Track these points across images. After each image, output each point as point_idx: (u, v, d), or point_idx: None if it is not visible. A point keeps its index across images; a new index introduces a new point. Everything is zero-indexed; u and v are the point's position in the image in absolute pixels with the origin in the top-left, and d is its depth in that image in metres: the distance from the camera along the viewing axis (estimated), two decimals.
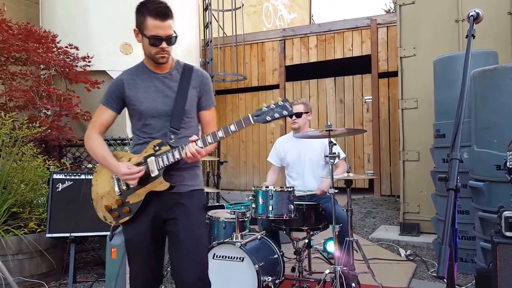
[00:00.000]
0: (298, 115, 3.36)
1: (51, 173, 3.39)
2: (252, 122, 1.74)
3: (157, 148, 1.90)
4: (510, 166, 2.32)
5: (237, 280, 2.64)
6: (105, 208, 1.97)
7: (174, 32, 1.89)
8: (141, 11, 1.85)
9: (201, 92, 2.01)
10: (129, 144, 4.61)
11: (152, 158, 1.88)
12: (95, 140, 1.98)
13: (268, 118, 1.72)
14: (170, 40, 1.88)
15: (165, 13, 1.84)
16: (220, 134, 1.79)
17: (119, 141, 5.06)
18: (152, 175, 1.87)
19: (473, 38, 1.57)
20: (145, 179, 1.88)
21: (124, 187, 1.94)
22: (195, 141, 1.81)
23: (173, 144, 1.88)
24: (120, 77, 2.01)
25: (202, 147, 1.81)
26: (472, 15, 1.60)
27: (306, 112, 3.41)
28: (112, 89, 2.00)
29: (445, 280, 1.19)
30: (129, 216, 1.92)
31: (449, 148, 1.36)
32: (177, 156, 1.83)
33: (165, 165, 1.85)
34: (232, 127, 1.77)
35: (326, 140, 3.18)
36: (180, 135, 1.92)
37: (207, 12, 7.40)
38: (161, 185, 1.86)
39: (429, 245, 4.19)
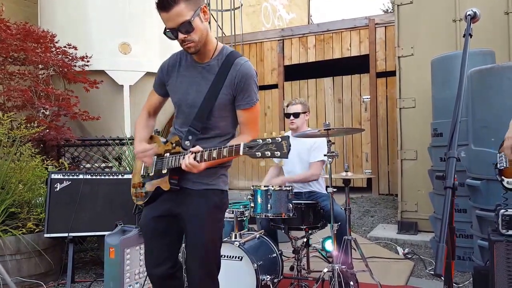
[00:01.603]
0: (296, 115, 3.37)
1: (49, 173, 3.38)
2: (240, 154, 1.54)
3: (174, 145, 1.84)
4: (501, 168, 2.34)
5: (236, 279, 2.63)
6: (132, 185, 2.00)
7: (193, 14, 1.68)
8: None
9: (237, 89, 1.79)
10: (128, 144, 4.61)
11: (168, 155, 1.84)
12: (139, 119, 2.04)
13: (258, 154, 1.51)
14: (183, 28, 1.68)
15: (166, 3, 1.66)
16: (214, 154, 1.62)
17: (117, 141, 5.05)
18: (163, 172, 1.84)
19: (470, 38, 1.58)
20: (159, 172, 1.86)
21: (146, 172, 1.95)
22: (195, 153, 1.67)
23: (187, 146, 1.79)
24: (166, 60, 1.94)
25: (199, 162, 1.66)
26: (469, 15, 1.62)
27: (304, 112, 3.41)
28: (158, 73, 1.97)
29: (442, 278, 1.20)
30: (143, 201, 1.92)
31: (447, 146, 1.37)
32: (181, 161, 1.72)
33: (171, 167, 1.80)
34: (225, 152, 1.59)
35: (318, 141, 3.20)
36: (200, 136, 1.81)
37: None
38: (165, 185, 1.82)
39: (427, 244, 4.21)
